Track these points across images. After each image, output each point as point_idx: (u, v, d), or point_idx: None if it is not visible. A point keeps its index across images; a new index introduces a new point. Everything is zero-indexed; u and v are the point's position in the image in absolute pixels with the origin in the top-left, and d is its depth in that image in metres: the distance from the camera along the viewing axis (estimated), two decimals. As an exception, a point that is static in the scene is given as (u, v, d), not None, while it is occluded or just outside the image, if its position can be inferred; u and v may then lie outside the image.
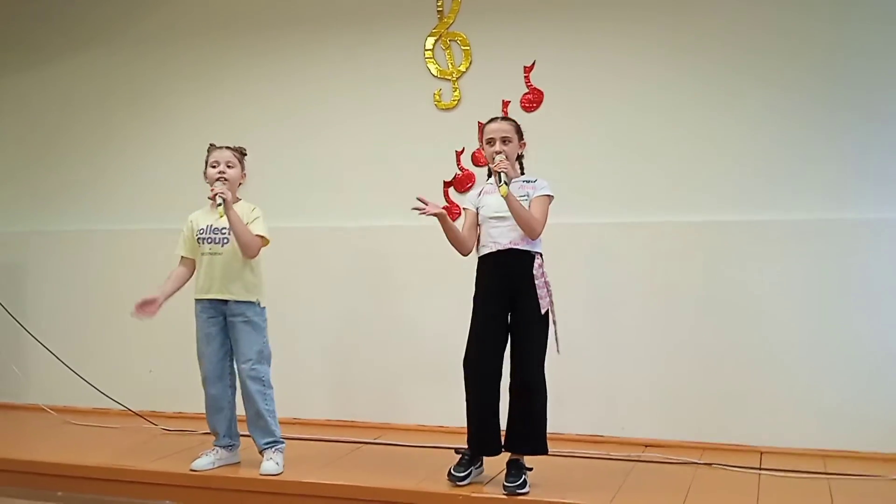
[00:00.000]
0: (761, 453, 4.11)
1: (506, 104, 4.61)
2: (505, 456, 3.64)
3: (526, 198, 3.62)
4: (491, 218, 3.65)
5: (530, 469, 3.61)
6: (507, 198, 3.48)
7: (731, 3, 4.33)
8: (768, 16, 4.27)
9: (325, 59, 4.99)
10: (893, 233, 4.11)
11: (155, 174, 5.31)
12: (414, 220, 4.40)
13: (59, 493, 4.04)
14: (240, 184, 4.01)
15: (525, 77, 4.62)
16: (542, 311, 3.58)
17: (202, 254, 3.97)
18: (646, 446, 4.26)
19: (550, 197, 3.67)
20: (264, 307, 3.98)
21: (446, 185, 4.75)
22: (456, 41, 4.76)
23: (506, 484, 3.52)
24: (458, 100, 4.75)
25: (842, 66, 4.19)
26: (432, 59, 4.79)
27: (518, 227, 3.57)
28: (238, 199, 3.99)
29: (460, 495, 3.55)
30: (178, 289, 4.03)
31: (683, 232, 4.37)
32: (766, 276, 4.24)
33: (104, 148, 5.45)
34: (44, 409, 5.18)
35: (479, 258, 3.70)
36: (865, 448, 4.05)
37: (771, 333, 4.22)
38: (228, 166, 3.93)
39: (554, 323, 3.64)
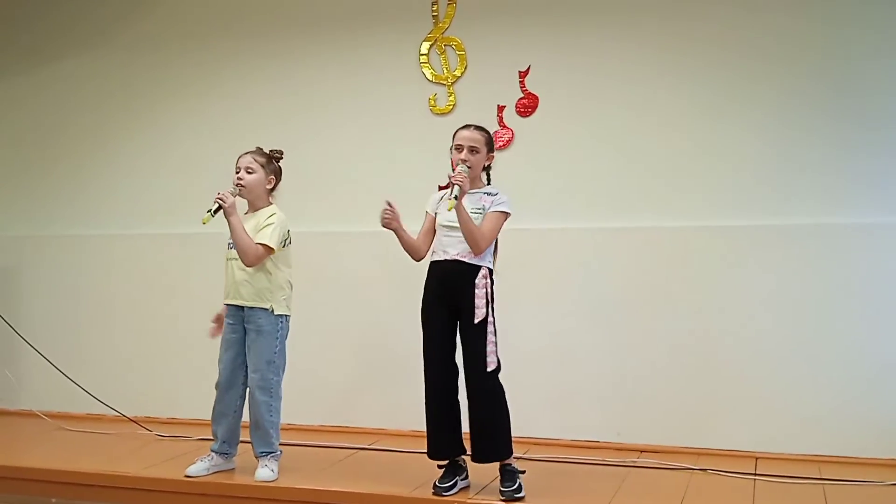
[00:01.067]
0: (756, 459, 4.11)
1: (501, 109, 4.62)
2: (493, 464, 3.63)
3: (481, 211, 3.59)
4: (443, 226, 3.65)
5: (523, 472, 3.60)
6: (456, 210, 3.47)
7: (727, 8, 4.34)
8: (765, 21, 4.28)
9: (319, 64, 4.98)
10: (891, 238, 4.12)
11: (150, 179, 5.30)
12: (409, 225, 4.38)
13: (53, 500, 4.02)
14: (269, 189, 3.98)
15: (520, 82, 4.63)
16: (477, 321, 3.55)
17: (227, 259, 3.96)
18: (641, 452, 4.26)
19: (506, 214, 3.63)
20: (281, 315, 3.93)
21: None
22: (451, 46, 4.76)
23: (502, 490, 3.52)
24: (454, 105, 4.75)
25: (839, 70, 4.20)
26: (427, 64, 4.79)
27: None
28: (269, 204, 3.97)
29: (455, 502, 3.54)
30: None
31: (678, 237, 4.37)
32: (761, 281, 4.25)
33: (99, 152, 5.44)
34: (37, 414, 5.16)
35: (430, 263, 3.71)
36: (861, 454, 4.05)
37: (766, 339, 4.22)
38: (248, 171, 3.92)
39: (492, 333, 3.59)
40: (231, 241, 3.92)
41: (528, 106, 4.62)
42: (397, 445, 4.43)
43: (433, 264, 3.69)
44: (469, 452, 3.64)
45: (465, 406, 3.63)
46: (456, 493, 3.61)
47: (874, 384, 4.08)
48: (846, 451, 4.07)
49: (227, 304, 3.97)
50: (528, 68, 4.61)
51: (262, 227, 3.87)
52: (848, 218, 4.15)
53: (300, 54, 5.03)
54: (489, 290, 3.60)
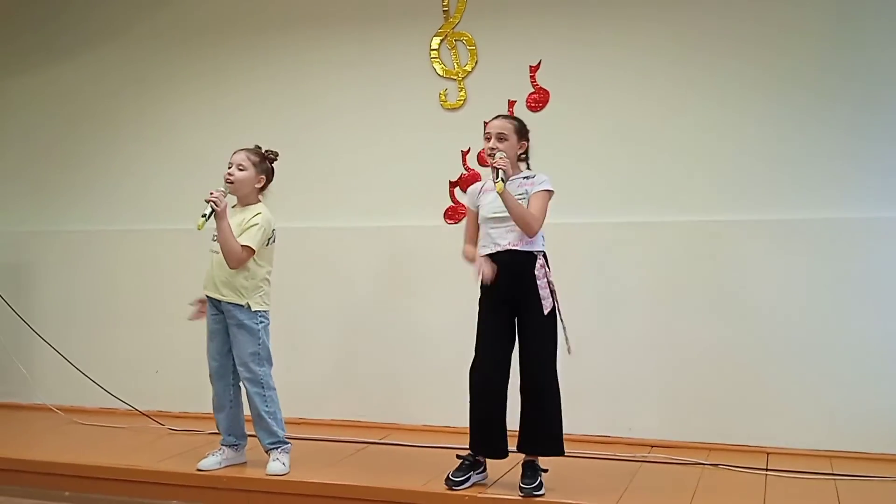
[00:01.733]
0: (768, 454, 4.10)
1: (511, 104, 4.61)
2: (511, 459, 3.64)
3: (525, 195, 3.57)
4: (489, 218, 3.62)
5: (545, 471, 3.59)
6: (502, 195, 3.45)
7: (737, 0, 4.32)
8: (777, 12, 4.26)
9: (329, 60, 4.99)
10: (902, 232, 4.10)
11: (159, 174, 5.32)
12: (419, 220, 4.41)
13: (66, 493, 4.05)
14: (258, 188, 3.99)
15: (531, 77, 4.62)
16: (546, 312, 3.55)
17: (210, 251, 3.97)
18: (652, 447, 4.26)
19: (550, 192, 3.61)
20: (259, 310, 3.94)
21: (452, 185, 4.75)
22: (462, 41, 4.76)
23: (522, 485, 3.51)
24: (464, 100, 4.75)
25: (847, 63, 4.17)
26: (438, 59, 4.79)
27: (516, 228, 3.54)
28: (258, 201, 3.98)
29: (466, 496, 3.55)
30: None
31: (690, 231, 4.36)
32: (773, 275, 4.23)
33: (110, 148, 5.46)
34: (50, 408, 5.19)
35: (480, 258, 3.64)
36: (872, 449, 4.04)
37: (778, 334, 4.21)
38: (239, 168, 3.93)
39: (562, 321, 3.61)
40: (216, 234, 3.93)
41: (538, 101, 4.61)
42: (408, 440, 4.44)
43: (483, 259, 3.60)
44: (515, 450, 3.60)
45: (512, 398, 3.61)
46: (468, 487, 3.61)
47: (887, 379, 4.06)
48: (858, 447, 4.06)
49: (208, 296, 3.99)
50: (539, 63, 4.61)
51: (247, 226, 3.87)
52: (861, 212, 4.13)
53: (310, 50, 5.03)
54: (550, 279, 3.57)
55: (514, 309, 3.59)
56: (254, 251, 3.86)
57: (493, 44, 4.70)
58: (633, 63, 4.46)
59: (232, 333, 3.94)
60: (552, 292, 3.58)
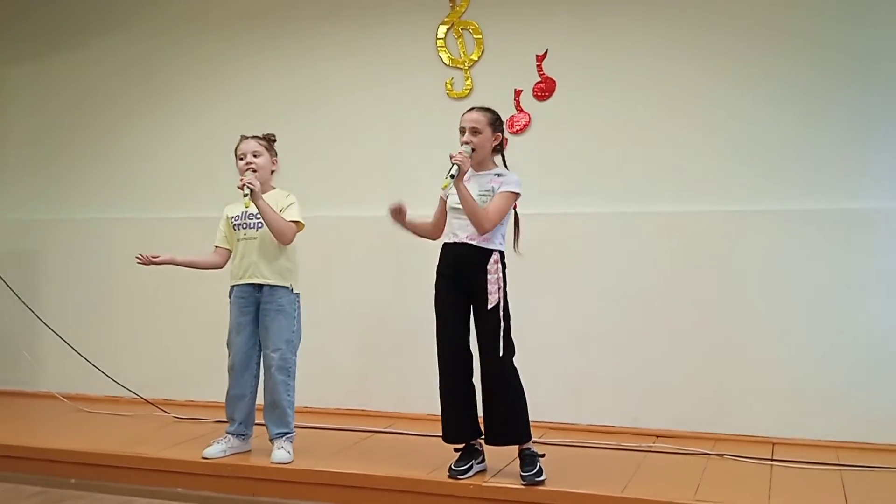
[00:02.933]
0: (773, 444, 4.10)
1: (518, 93, 4.59)
2: (514, 449, 3.63)
3: (489, 193, 3.55)
4: (453, 208, 3.63)
5: (542, 455, 3.60)
6: (457, 188, 3.45)
7: (744, -7, 4.31)
8: (787, 4, 4.23)
9: (336, 49, 4.98)
10: (908, 222, 4.08)
11: (169, 164, 5.32)
12: (427, 210, 4.38)
13: (72, 480, 4.06)
14: (272, 171, 4.02)
15: (537, 66, 4.60)
16: (490, 307, 3.54)
17: (238, 240, 3.98)
18: (657, 437, 4.25)
19: (515, 194, 3.58)
20: (297, 294, 3.99)
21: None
22: (468, 30, 4.74)
23: (523, 474, 3.52)
24: (471, 89, 4.73)
25: (856, 54, 4.14)
26: (444, 48, 4.77)
27: None
28: (273, 188, 3.99)
29: (471, 484, 3.55)
30: (194, 265, 4.07)
31: (696, 222, 4.34)
32: (779, 266, 4.22)
33: (120, 137, 5.46)
34: (56, 396, 5.20)
35: (442, 244, 3.70)
36: (878, 440, 4.03)
37: (784, 324, 4.20)
38: (255, 156, 3.94)
39: (505, 319, 3.56)
40: (240, 222, 3.94)
41: (545, 90, 4.60)
42: (412, 429, 4.44)
43: (445, 246, 3.69)
44: (484, 436, 3.64)
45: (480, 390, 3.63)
46: (472, 476, 3.61)
47: (892, 369, 4.04)
48: (864, 437, 4.05)
49: (240, 285, 3.98)
50: (546, 52, 4.59)
51: (286, 205, 3.93)
52: (869, 202, 4.11)
53: (317, 39, 5.02)
54: (501, 275, 3.58)
55: (468, 298, 3.62)
56: (303, 225, 3.94)
57: (499, 33, 4.68)
58: (641, 52, 4.44)
59: (269, 318, 3.93)
60: (500, 288, 3.56)
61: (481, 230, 3.53)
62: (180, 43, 5.31)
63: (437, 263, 3.70)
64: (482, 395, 3.60)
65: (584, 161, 4.51)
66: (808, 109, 4.21)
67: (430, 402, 4.64)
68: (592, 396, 4.41)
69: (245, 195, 3.77)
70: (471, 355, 3.66)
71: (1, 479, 4.13)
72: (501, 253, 3.61)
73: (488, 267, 3.55)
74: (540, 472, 3.51)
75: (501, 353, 3.53)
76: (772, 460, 3.86)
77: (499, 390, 3.56)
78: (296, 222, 3.92)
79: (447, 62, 4.77)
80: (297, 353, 4.01)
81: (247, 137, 4.01)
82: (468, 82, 4.73)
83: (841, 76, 4.16)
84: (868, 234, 4.12)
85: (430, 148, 4.75)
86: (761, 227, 4.26)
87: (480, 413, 3.65)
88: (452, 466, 3.62)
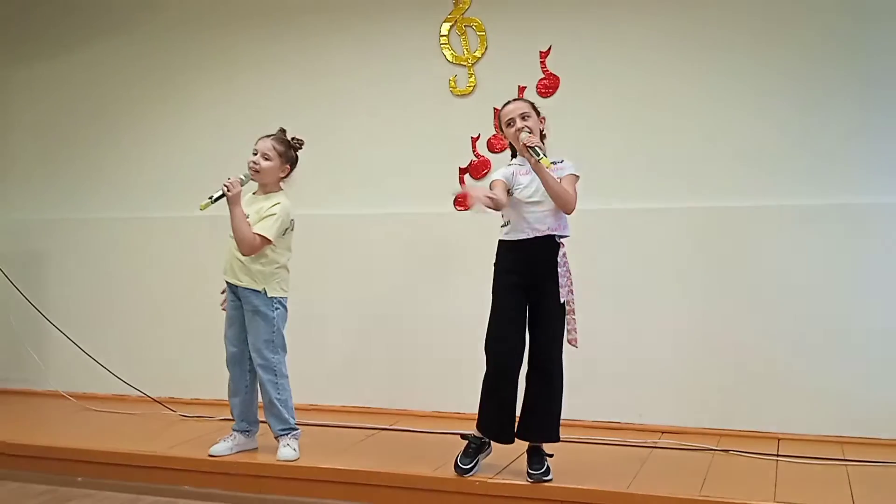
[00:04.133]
0: (779, 440, 4.10)
1: (521, 90, 4.59)
2: (519, 446, 3.64)
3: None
4: (527, 203, 3.54)
5: (551, 455, 3.60)
6: (541, 172, 3.39)
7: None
8: (782, 4, 4.23)
9: (339, 46, 4.98)
10: (913, 217, 4.07)
11: (175, 163, 5.33)
12: (430, 207, 4.40)
13: (79, 479, 4.08)
14: (281, 177, 3.97)
15: (541, 62, 4.60)
16: (561, 300, 3.54)
17: (229, 236, 3.98)
18: (662, 433, 4.25)
19: (577, 176, 3.60)
20: (275, 297, 3.93)
21: (462, 171, 4.74)
22: (471, 27, 4.74)
23: (530, 472, 3.52)
24: (474, 86, 4.73)
25: (863, 48, 4.13)
26: (447, 45, 4.77)
27: (554, 213, 3.51)
28: (279, 190, 3.97)
29: (477, 481, 3.55)
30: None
31: (700, 218, 4.34)
32: (783, 261, 4.22)
33: (125, 137, 5.47)
34: (63, 395, 5.22)
35: (507, 242, 3.59)
36: (884, 435, 4.03)
37: (788, 319, 4.19)
38: (264, 157, 3.92)
39: (571, 313, 3.58)
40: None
41: (549, 86, 4.59)
42: (417, 426, 4.45)
43: (516, 244, 3.55)
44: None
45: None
46: (477, 471, 3.61)
47: (898, 365, 4.05)
48: (869, 432, 4.05)
49: (226, 281, 4.00)
50: (549, 48, 4.59)
51: (265, 215, 3.86)
52: (873, 197, 4.10)
53: (321, 36, 5.02)
54: (569, 267, 3.57)
55: (531, 294, 3.56)
56: (269, 241, 3.85)
57: (502, 29, 4.68)
58: (644, 49, 4.43)
59: (248, 319, 3.95)
60: (570, 281, 3.57)
61: (568, 209, 3.51)
62: (183, 42, 5.32)
63: (497, 260, 3.61)
64: (533, 386, 3.56)
65: (589, 158, 4.48)
66: (814, 107, 4.19)
67: (435, 398, 4.69)
68: (597, 392, 4.41)
69: (209, 196, 3.78)
70: (524, 350, 3.60)
71: (9, 478, 4.14)
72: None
73: (558, 259, 3.54)
74: (548, 472, 3.52)
75: (576, 346, 3.54)
76: (777, 456, 3.86)
77: (555, 384, 3.55)
78: (262, 236, 3.82)
79: (451, 59, 4.77)
80: (286, 352, 3.98)
81: (264, 136, 3.97)
82: (472, 79, 4.73)
83: (844, 75, 4.15)
84: (874, 230, 4.10)
85: (434, 145, 4.76)
86: (765, 223, 4.25)
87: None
88: (459, 463, 3.61)
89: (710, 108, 4.35)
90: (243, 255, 3.86)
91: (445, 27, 4.77)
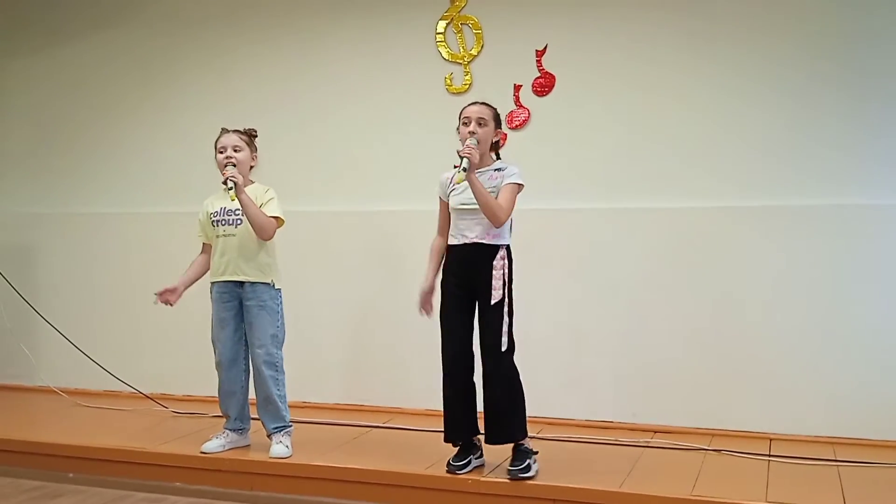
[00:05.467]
0: (770, 440, 4.11)
1: (517, 88, 4.59)
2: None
3: (494, 189, 3.54)
4: (457, 209, 3.60)
5: (536, 452, 3.61)
6: (470, 182, 3.44)
7: (745, -13, 4.30)
8: (784, 0, 4.24)
9: (335, 43, 4.97)
10: (906, 219, 4.08)
11: (165, 157, 5.32)
12: (425, 205, 4.39)
13: (71, 475, 4.07)
14: (251, 167, 4.01)
15: (537, 61, 4.60)
16: (493, 302, 3.53)
17: (217, 236, 3.98)
18: (655, 432, 4.26)
19: (519, 185, 3.58)
20: (279, 289, 3.98)
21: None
22: (468, 25, 4.73)
23: (509, 468, 3.53)
24: (470, 84, 4.73)
25: (854, 50, 4.14)
26: (443, 43, 4.77)
27: (484, 220, 3.52)
28: (251, 182, 3.99)
29: (469, 479, 3.56)
30: (200, 276, 4.08)
31: (694, 217, 4.35)
32: (776, 262, 4.23)
33: (115, 130, 5.45)
34: (54, 391, 5.20)
35: (448, 246, 3.67)
36: (875, 436, 4.04)
37: (781, 320, 4.20)
38: (235, 150, 3.94)
39: (508, 316, 3.55)
40: (219, 219, 3.95)
41: (544, 85, 4.59)
42: (410, 424, 4.45)
43: (451, 248, 3.65)
44: (483, 433, 3.64)
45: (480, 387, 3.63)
46: (470, 471, 3.62)
47: (890, 365, 4.05)
48: (861, 433, 4.06)
49: (220, 282, 3.98)
50: (545, 47, 4.59)
51: (266, 200, 3.91)
52: (865, 199, 4.11)
53: (315, 33, 5.01)
54: (507, 271, 3.57)
55: (472, 295, 3.60)
56: (283, 221, 3.92)
57: (499, 28, 4.67)
58: (640, 48, 4.43)
59: (252, 315, 3.94)
60: (505, 284, 3.56)
61: (497, 223, 3.51)
62: (176, 36, 5.30)
63: (443, 264, 3.69)
64: (483, 391, 3.59)
65: (584, 157, 4.51)
66: (806, 107, 4.20)
67: (427, 397, 4.66)
68: (590, 392, 4.42)
69: (229, 189, 3.77)
70: (473, 354, 3.64)
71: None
72: (508, 248, 3.61)
73: (494, 263, 3.55)
74: (527, 469, 3.52)
75: (503, 349, 3.53)
76: (769, 456, 3.87)
77: (499, 387, 3.55)
78: (276, 218, 3.91)
79: (447, 57, 4.77)
80: (283, 348, 4.00)
81: (228, 131, 4.00)
82: (467, 77, 4.73)
83: (839, 77, 4.15)
84: (863, 231, 4.11)
85: (430, 143, 4.75)
86: (757, 223, 4.26)
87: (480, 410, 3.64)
88: (451, 462, 3.63)
89: (706, 108, 4.35)
90: (265, 239, 3.90)
91: (442, 25, 4.76)
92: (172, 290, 3.98)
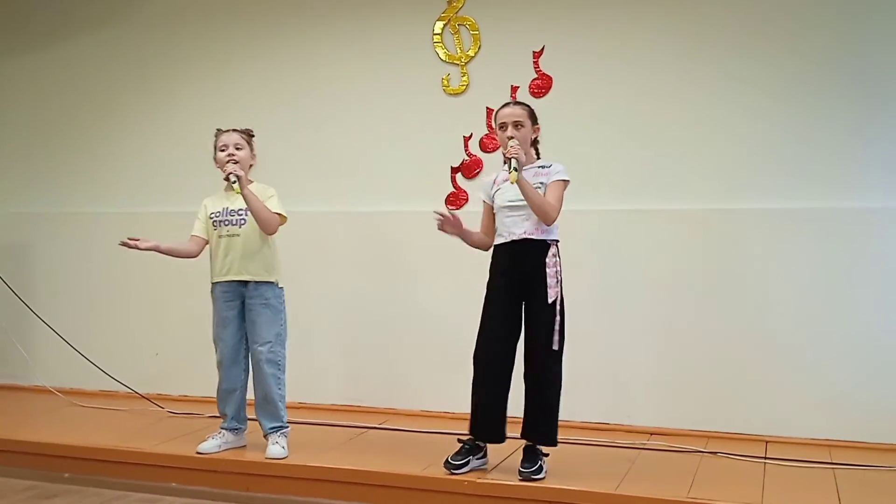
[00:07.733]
0: (766, 442, 4.11)
1: (514, 89, 4.59)
2: (511, 444, 3.65)
3: (541, 186, 3.56)
4: (504, 207, 3.61)
5: (546, 455, 3.61)
6: (519, 184, 3.46)
7: (742, -9, 4.30)
8: (781, 4, 4.24)
9: (332, 44, 4.97)
10: (901, 222, 4.09)
11: (161, 157, 5.31)
12: (422, 206, 4.39)
13: (66, 475, 4.05)
14: (250, 165, 4.02)
15: (534, 62, 4.60)
16: (550, 301, 3.55)
17: (219, 237, 3.98)
18: (651, 434, 4.26)
19: (566, 182, 3.62)
20: (282, 288, 3.99)
21: (454, 170, 4.73)
22: (465, 26, 4.73)
23: (521, 469, 3.53)
24: (467, 85, 4.73)
25: (851, 53, 4.15)
26: (441, 44, 4.76)
27: (532, 216, 3.53)
28: (251, 181, 3.99)
29: (466, 481, 3.55)
30: (175, 254, 4.04)
31: (690, 220, 4.35)
32: (772, 264, 4.23)
33: (111, 130, 5.44)
34: (50, 390, 5.19)
35: (494, 247, 3.68)
36: (871, 438, 4.04)
37: (777, 322, 4.21)
38: (237, 148, 3.94)
39: (560, 314, 3.58)
40: (221, 219, 3.95)
41: (541, 86, 4.59)
42: (407, 425, 4.45)
43: (498, 248, 3.64)
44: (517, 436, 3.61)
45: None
46: (468, 471, 3.61)
47: (885, 368, 4.06)
48: (857, 436, 4.07)
49: (224, 282, 3.98)
50: (543, 48, 4.59)
51: (267, 198, 3.92)
52: (859, 202, 4.12)
53: (312, 34, 5.01)
54: (559, 269, 3.58)
55: (521, 296, 3.59)
56: (286, 218, 3.93)
57: (496, 29, 4.67)
58: (637, 50, 4.44)
59: (256, 313, 3.94)
60: (559, 282, 3.57)
61: (548, 221, 3.53)
62: (172, 35, 5.29)
63: (489, 265, 3.68)
64: (530, 389, 3.57)
65: (580, 159, 4.48)
66: (804, 110, 4.21)
67: (424, 397, 4.68)
68: (586, 393, 4.41)
69: (233, 182, 3.78)
70: (515, 358, 3.63)
71: (-6, 473, 4.13)
72: (558, 245, 3.61)
73: (546, 260, 3.55)
74: (539, 470, 3.52)
75: (556, 347, 3.53)
76: (765, 458, 3.88)
77: (551, 388, 3.56)
78: (279, 214, 3.92)
79: (444, 58, 4.77)
80: (287, 347, 4.00)
81: (226, 130, 4.00)
82: (465, 78, 4.73)
83: (835, 80, 4.16)
84: (861, 234, 4.12)
85: (427, 144, 4.76)
86: (755, 226, 4.27)
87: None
88: (449, 460, 3.61)
89: (703, 111, 4.35)
90: (269, 233, 3.91)
91: (439, 25, 4.76)
92: (146, 240, 3.93)
